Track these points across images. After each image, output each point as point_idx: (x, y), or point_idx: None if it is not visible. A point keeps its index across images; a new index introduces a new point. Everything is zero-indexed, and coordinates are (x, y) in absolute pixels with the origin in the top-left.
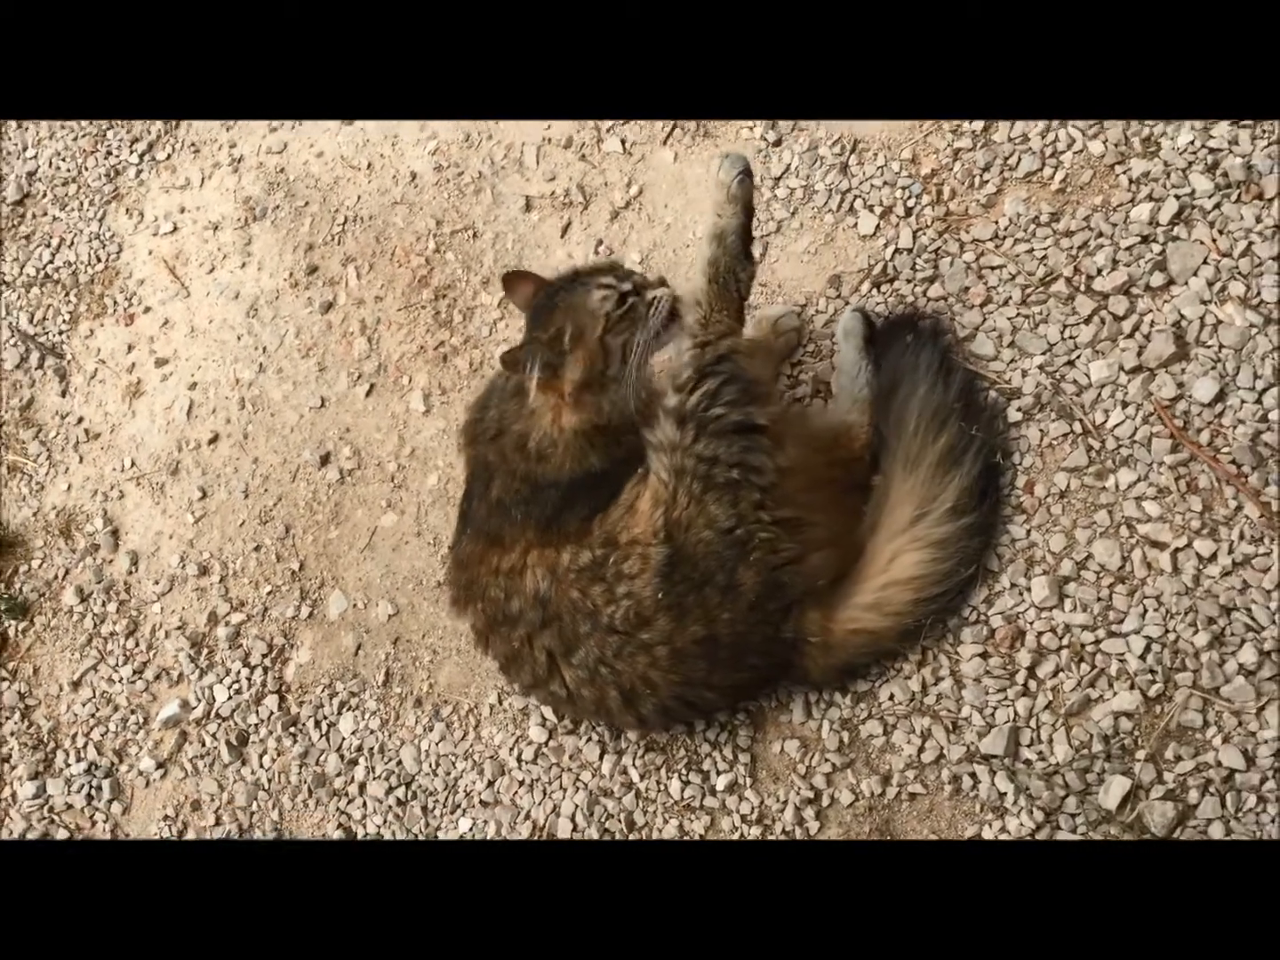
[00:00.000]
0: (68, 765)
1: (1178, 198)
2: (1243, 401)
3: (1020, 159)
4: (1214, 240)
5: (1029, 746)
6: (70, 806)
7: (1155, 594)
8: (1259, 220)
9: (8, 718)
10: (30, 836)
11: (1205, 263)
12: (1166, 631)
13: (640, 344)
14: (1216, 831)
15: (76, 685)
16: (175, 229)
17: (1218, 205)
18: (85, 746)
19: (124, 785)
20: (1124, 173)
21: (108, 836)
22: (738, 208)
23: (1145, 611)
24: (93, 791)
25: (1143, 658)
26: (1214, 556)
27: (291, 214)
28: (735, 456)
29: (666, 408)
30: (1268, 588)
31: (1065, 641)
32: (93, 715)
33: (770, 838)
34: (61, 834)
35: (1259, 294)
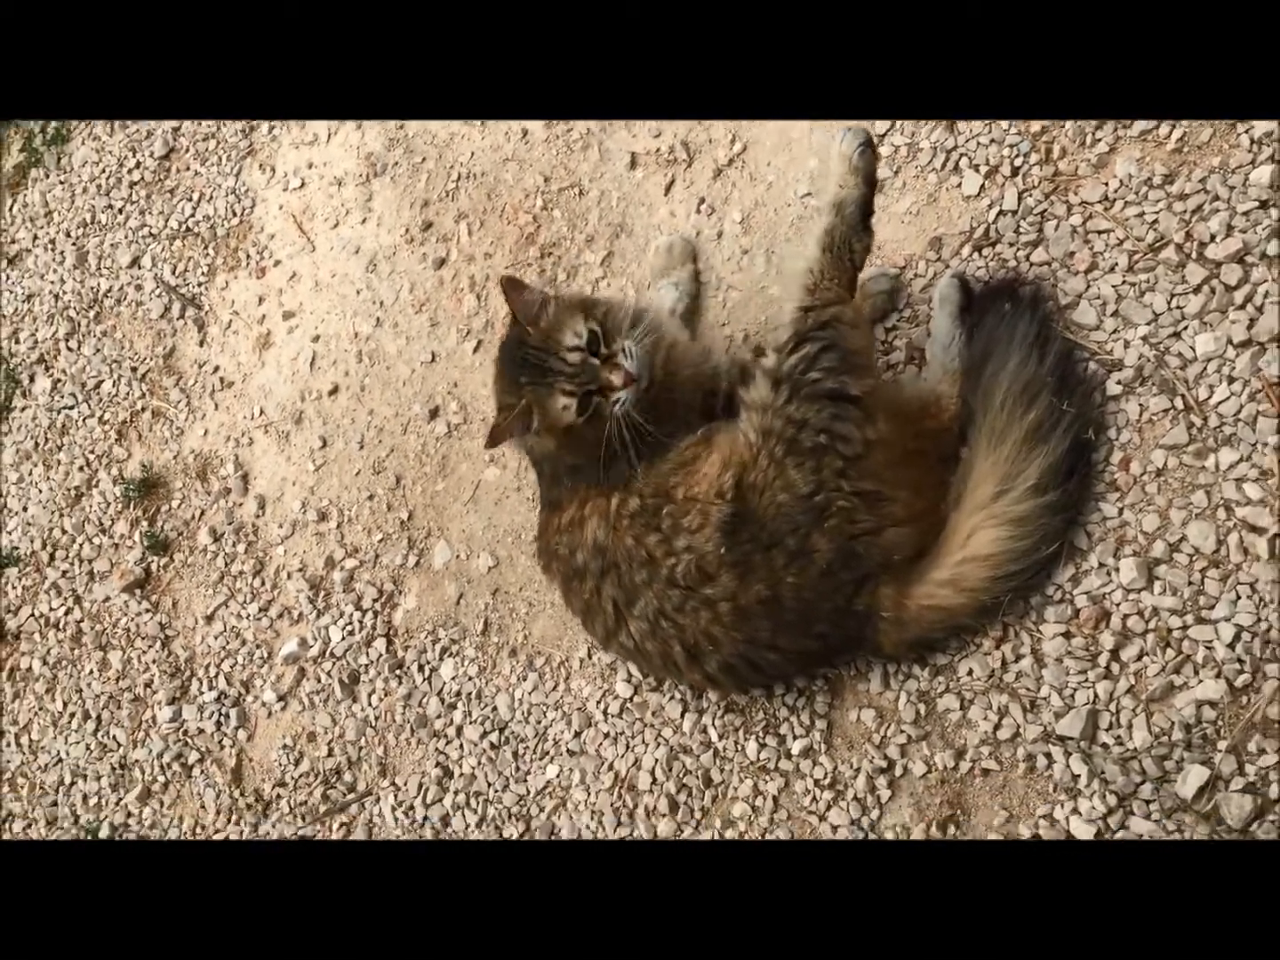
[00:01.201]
0: (201, 693)
1: None
2: None
3: None
4: None
5: (1107, 730)
6: (202, 731)
7: (1250, 580)
8: None
9: (150, 646)
10: (166, 758)
11: None
12: (1258, 620)
13: (618, 418)
14: None
15: (210, 619)
16: (303, 184)
17: None
18: (216, 676)
19: (249, 714)
20: (1246, 131)
21: (234, 762)
22: (859, 179)
23: (1238, 599)
24: (221, 719)
25: (1231, 646)
26: None
27: (409, 170)
28: (824, 422)
29: (764, 368)
30: None
31: (1152, 625)
32: (224, 648)
33: (841, 803)
34: (194, 756)
35: None
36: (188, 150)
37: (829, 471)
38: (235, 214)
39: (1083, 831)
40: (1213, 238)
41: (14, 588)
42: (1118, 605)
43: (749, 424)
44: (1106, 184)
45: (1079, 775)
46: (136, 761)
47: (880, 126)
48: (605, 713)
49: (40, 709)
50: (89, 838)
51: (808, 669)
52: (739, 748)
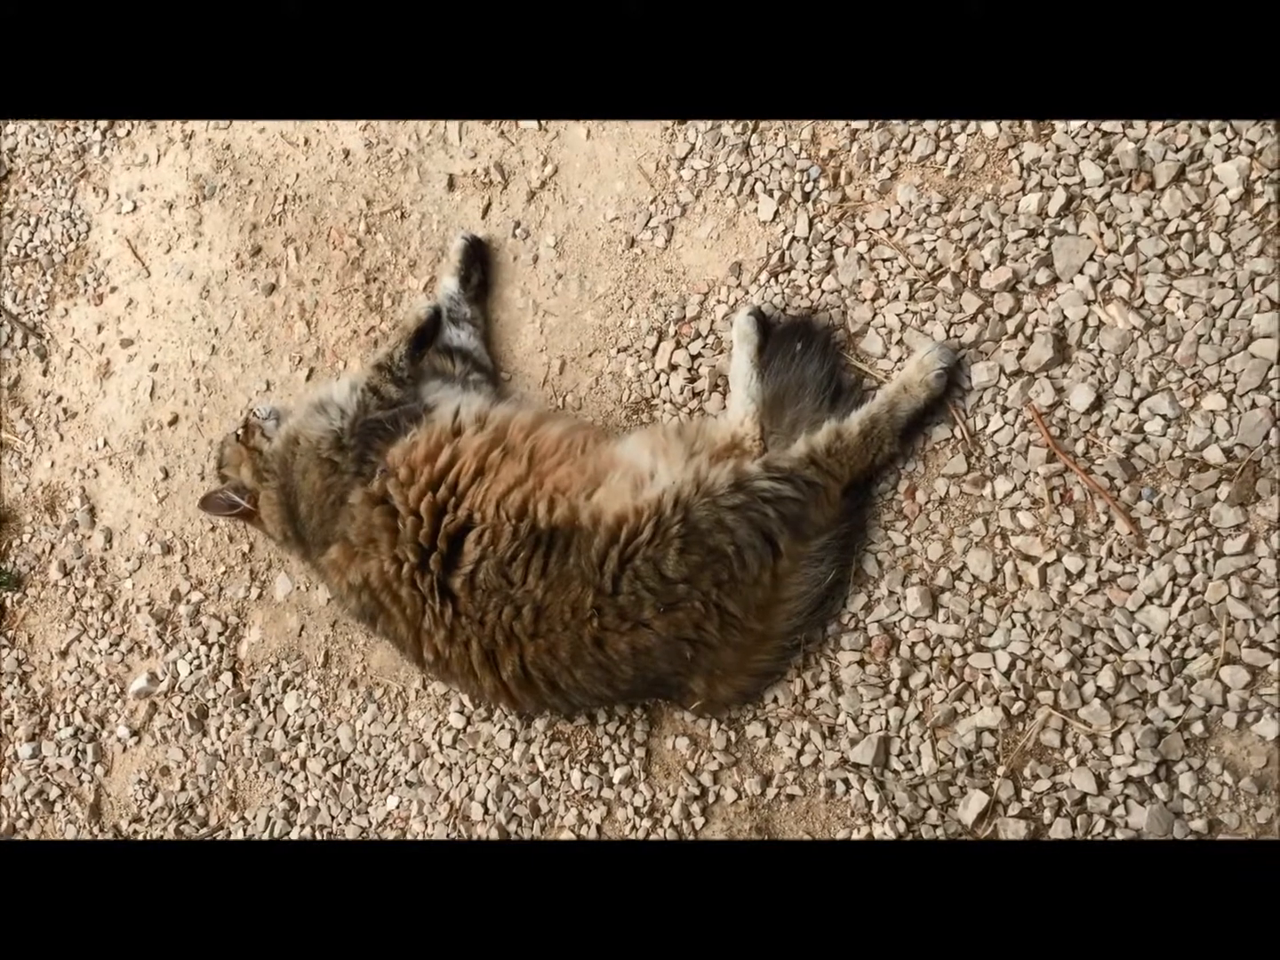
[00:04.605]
0: (59, 729)
1: (1067, 187)
2: (1119, 411)
3: (915, 141)
4: (1100, 235)
5: (898, 756)
6: (61, 767)
7: (1024, 609)
8: (1147, 213)
9: (8, 682)
10: (29, 794)
11: (1091, 259)
12: (1031, 649)
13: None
14: None
15: (64, 654)
16: (135, 208)
17: (1107, 195)
18: (72, 712)
19: (105, 750)
20: (1016, 158)
21: (92, 798)
22: (925, 395)
23: (1013, 627)
24: (79, 754)
25: (1007, 674)
26: (1081, 573)
27: (237, 192)
28: (743, 541)
29: (739, 468)
30: (1131, 609)
31: (936, 653)
32: (78, 683)
33: (659, 830)
34: (55, 792)
35: (1142, 294)
36: (24, 172)
37: (709, 575)
38: (71, 239)
39: None
40: (986, 266)
41: None
42: (905, 633)
43: (669, 481)
44: (889, 210)
45: (872, 801)
46: (1, 798)
47: (680, 149)
48: (440, 743)
49: None
50: None
51: (599, 705)
52: (564, 776)
